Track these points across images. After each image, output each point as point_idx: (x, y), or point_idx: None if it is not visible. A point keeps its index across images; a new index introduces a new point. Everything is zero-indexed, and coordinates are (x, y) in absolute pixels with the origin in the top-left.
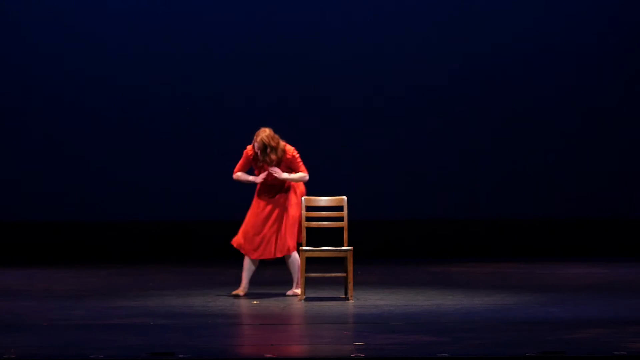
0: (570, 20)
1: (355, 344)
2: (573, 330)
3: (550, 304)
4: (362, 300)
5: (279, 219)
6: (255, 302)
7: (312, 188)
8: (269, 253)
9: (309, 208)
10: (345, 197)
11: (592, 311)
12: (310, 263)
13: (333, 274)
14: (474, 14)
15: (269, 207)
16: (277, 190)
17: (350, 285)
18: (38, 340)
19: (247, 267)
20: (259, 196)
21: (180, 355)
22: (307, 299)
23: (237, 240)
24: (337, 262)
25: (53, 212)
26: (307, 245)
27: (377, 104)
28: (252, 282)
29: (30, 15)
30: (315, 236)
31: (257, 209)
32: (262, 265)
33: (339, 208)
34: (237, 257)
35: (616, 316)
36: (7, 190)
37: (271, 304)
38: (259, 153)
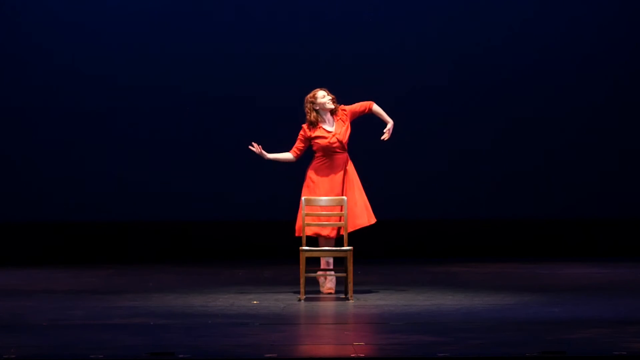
0: (569, 20)
1: (355, 344)
2: (573, 330)
3: (550, 304)
4: (362, 300)
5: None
6: (255, 302)
7: None
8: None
9: (309, 208)
10: (345, 197)
11: (592, 311)
12: (310, 263)
13: (333, 274)
14: (474, 14)
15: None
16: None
17: (350, 285)
18: (38, 340)
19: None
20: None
21: (180, 355)
22: (307, 299)
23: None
24: (337, 262)
25: (53, 212)
26: (307, 245)
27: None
28: (252, 282)
29: (31, 14)
30: (315, 236)
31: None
32: (262, 265)
33: (339, 208)
34: (235, 257)
35: (616, 316)
36: (7, 190)
37: (271, 304)
38: (330, 101)
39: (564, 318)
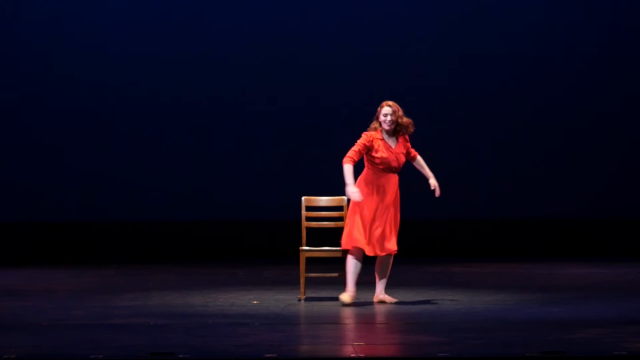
0: (570, 21)
1: (355, 344)
2: (573, 330)
3: (550, 304)
4: (362, 300)
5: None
6: (255, 302)
7: (312, 188)
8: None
9: (309, 208)
10: (345, 197)
11: (592, 311)
12: (310, 263)
13: (333, 274)
14: (475, 15)
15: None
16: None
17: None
18: (38, 340)
19: (353, 269)
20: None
21: (180, 355)
22: (307, 299)
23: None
24: (337, 262)
25: (53, 212)
26: (307, 245)
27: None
28: (252, 282)
29: (30, 16)
30: (315, 236)
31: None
32: (262, 265)
33: (339, 208)
34: (235, 257)
35: (616, 316)
36: (8, 190)
37: (271, 304)
38: (394, 117)
39: (564, 318)
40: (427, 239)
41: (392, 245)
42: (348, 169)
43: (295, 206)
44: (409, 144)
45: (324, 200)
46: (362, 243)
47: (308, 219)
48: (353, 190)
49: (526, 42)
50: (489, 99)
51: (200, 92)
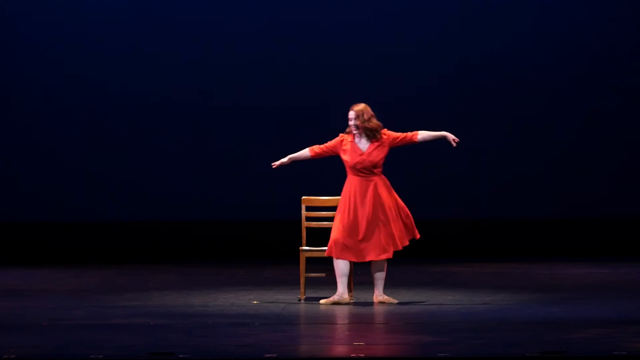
0: (570, 21)
1: (355, 344)
2: (573, 330)
3: (550, 304)
4: (362, 300)
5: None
6: (255, 302)
7: (312, 188)
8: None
9: (309, 208)
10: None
11: (592, 311)
12: (310, 263)
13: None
14: (476, 15)
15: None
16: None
17: (351, 285)
18: (38, 340)
19: (341, 272)
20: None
21: (180, 355)
22: (307, 299)
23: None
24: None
25: (53, 212)
26: (307, 245)
27: (377, 104)
28: (252, 282)
29: (30, 16)
30: (315, 236)
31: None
32: (262, 265)
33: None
34: (235, 257)
35: (616, 316)
36: (7, 190)
37: (271, 304)
38: (357, 122)
39: (564, 318)
40: (427, 239)
41: (380, 250)
42: (303, 150)
43: (295, 206)
44: (393, 135)
45: (324, 200)
46: (347, 253)
47: (308, 219)
48: (280, 161)
49: (526, 42)
50: (488, 98)
51: (200, 92)
